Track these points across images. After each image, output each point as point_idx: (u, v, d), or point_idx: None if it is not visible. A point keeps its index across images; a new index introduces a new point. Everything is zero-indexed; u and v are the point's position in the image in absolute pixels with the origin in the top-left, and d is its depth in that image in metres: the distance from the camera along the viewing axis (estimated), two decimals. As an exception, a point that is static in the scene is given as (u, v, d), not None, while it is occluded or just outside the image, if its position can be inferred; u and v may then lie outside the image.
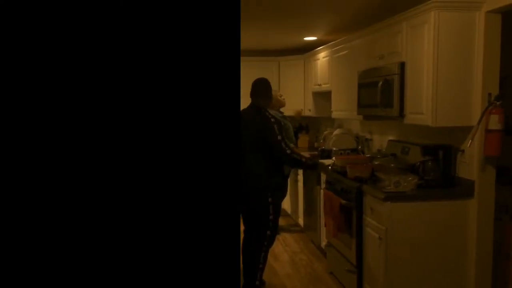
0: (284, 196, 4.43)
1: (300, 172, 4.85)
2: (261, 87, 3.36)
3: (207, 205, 1.05)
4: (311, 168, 3.53)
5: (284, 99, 4.77)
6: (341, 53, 4.45)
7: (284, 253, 4.41)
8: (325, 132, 5.69)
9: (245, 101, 3.32)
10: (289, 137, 4.67)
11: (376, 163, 3.43)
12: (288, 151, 3.17)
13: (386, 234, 2.81)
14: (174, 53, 1.01)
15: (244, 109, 3.29)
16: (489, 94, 2.73)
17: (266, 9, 3.63)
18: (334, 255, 3.71)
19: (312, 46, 5.38)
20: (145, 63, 1.00)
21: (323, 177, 4.02)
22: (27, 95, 0.97)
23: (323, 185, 4.01)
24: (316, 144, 5.84)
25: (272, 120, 3.19)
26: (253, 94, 3.35)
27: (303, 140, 5.94)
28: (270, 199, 3.20)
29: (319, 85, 5.18)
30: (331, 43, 4.72)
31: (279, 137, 3.14)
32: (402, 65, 3.14)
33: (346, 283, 3.44)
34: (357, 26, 4.09)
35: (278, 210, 3.35)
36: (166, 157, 1.03)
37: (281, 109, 4.67)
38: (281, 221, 5.32)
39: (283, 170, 3.44)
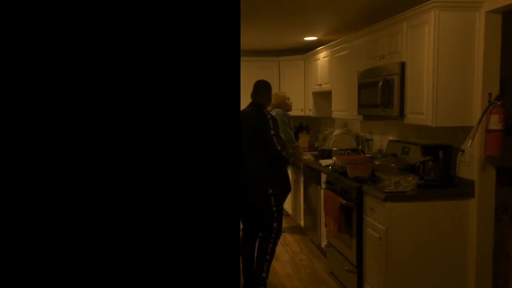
0: (287, 189, 4.44)
1: (301, 172, 4.85)
2: (262, 88, 3.47)
3: (207, 204, 1.05)
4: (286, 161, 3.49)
5: (291, 102, 4.79)
6: (341, 53, 4.45)
7: (284, 253, 4.41)
8: (325, 132, 5.69)
9: (245, 101, 3.37)
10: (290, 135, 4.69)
11: (376, 163, 3.43)
12: (278, 147, 3.22)
13: (386, 234, 2.81)
14: (175, 54, 1.01)
15: (244, 108, 3.37)
16: (489, 94, 2.73)
17: (266, 9, 3.64)
18: (334, 255, 3.71)
19: (312, 46, 5.38)
20: (145, 63, 1.00)
21: (323, 177, 4.02)
22: (28, 96, 0.97)
23: (323, 185, 4.01)
24: (316, 144, 5.84)
25: (268, 116, 3.30)
26: (254, 93, 3.45)
27: (303, 140, 5.93)
28: (270, 191, 3.26)
29: (320, 85, 5.18)
30: (331, 43, 4.72)
31: (272, 132, 3.23)
32: (402, 65, 3.14)
33: (346, 283, 3.44)
34: (357, 26, 4.09)
35: (280, 202, 3.40)
36: (166, 157, 1.03)
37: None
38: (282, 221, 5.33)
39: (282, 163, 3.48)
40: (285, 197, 4.53)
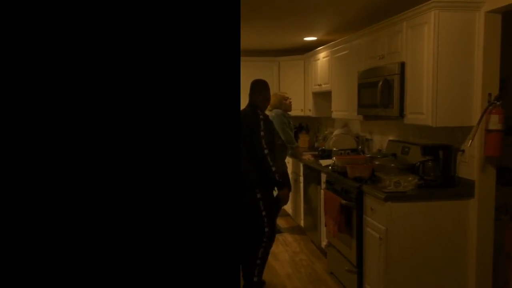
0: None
1: (301, 172, 4.85)
2: (258, 88, 3.41)
3: (207, 205, 1.05)
4: (276, 183, 3.24)
5: (290, 102, 4.75)
6: (341, 53, 4.45)
7: (284, 253, 4.41)
8: (325, 132, 5.69)
9: (245, 101, 3.36)
10: (287, 134, 4.63)
11: (376, 163, 3.44)
12: (266, 151, 3.12)
13: (386, 234, 2.81)
14: (175, 54, 1.01)
15: (243, 108, 3.33)
16: (489, 94, 2.73)
17: (266, 9, 3.64)
18: (335, 255, 3.71)
19: (312, 46, 5.38)
20: (145, 63, 1.00)
21: (323, 177, 4.02)
22: (28, 96, 0.97)
23: (323, 185, 4.01)
24: (316, 144, 5.84)
25: (261, 117, 3.23)
26: (250, 93, 3.40)
27: (303, 140, 5.93)
28: (259, 195, 3.19)
29: (319, 85, 5.18)
30: (331, 43, 4.72)
31: (261, 133, 3.14)
32: (402, 65, 3.14)
33: (347, 283, 3.44)
34: (357, 26, 4.09)
35: (271, 206, 3.31)
36: (166, 157, 1.03)
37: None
38: (282, 221, 5.33)
39: (272, 160, 3.22)
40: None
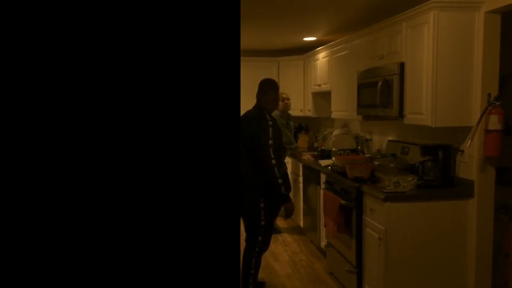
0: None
1: (300, 172, 4.86)
2: (265, 88, 3.25)
3: (206, 206, 1.05)
4: (281, 196, 3.06)
5: (287, 103, 4.73)
6: (341, 53, 4.46)
7: (284, 253, 4.41)
8: (325, 133, 5.70)
9: (244, 102, 3.32)
10: (288, 136, 4.63)
11: (375, 163, 3.44)
12: (273, 162, 2.94)
13: (386, 234, 2.81)
14: (174, 54, 1.01)
15: (248, 110, 3.22)
16: (489, 94, 2.74)
17: (266, 9, 3.64)
18: (334, 255, 3.71)
19: (312, 46, 5.38)
20: (145, 63, 1.00)
21: (323, 177, 4.02)
22: (28, 96, 0.97)
23: (322, 185, 4.01)
24: (315, 145, 5.85)
25: (270, 122, 3.06)
26: (257, 94, 3.26)
27: (303, 140, 5.94)
28: (262, 204, 3.07)
29: (319, 85, 5.19)
30: (331, 43, 4.72)
31: (270, 142, 2.96)
32: (402, 65, 3.14)
33: (346, 283, 3.44)
34: (357, 26, 4.10)
35: (271, 215, 3.20)
36: (165, 157, 1.03)
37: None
38: (281, 222, 5.33)
39: (279, 171, 3.08)
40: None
